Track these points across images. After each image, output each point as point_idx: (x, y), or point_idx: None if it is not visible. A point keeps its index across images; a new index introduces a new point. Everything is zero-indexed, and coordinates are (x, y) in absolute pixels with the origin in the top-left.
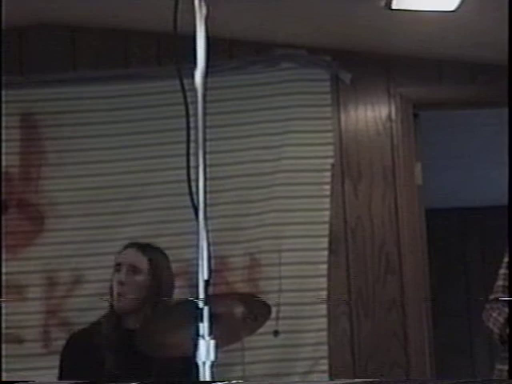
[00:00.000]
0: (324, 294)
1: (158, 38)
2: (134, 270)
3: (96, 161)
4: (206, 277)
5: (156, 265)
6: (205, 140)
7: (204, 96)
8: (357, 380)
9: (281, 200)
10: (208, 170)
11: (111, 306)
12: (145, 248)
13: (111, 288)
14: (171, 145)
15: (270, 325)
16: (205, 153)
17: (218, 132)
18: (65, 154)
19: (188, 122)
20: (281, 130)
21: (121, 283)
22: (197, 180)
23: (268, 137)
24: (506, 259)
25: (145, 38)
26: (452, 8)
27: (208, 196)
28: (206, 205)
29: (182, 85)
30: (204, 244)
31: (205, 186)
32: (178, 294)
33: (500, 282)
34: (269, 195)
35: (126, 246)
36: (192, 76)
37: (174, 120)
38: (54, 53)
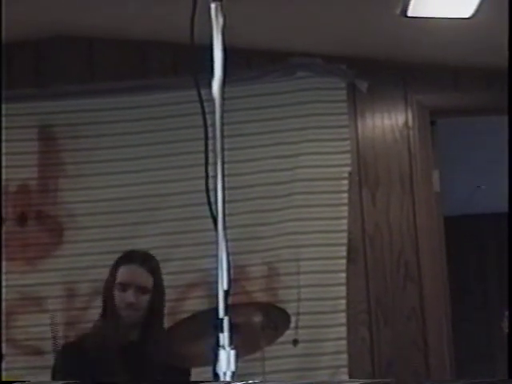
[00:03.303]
0: (343, 302)
1: (175, 48)
2: (142, 290)
3: (114, 172)
4: (225, 287)
5: (159, 279)
6: (223, 150)
7: (221, 106)
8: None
9: (299, 209)
10: (226, 179)
11: (113, 320)
12: (147, 263)
13: (109, 300)
14: (189, 155)
15: (289, 334)
16: (223, 162)
17: (235, 142)
18: (83, 166)
19: (206, 132)
20: (298, 138)
21: (130, 304)
22: (215, 190)
23: (286, 146)
24: None
25: (162, 48)
26: (468, 15)
27: (227, 206)
28: (224, 215)
29: (200, 95)
30: (223, 254)
31: (223, 195)
32: (197, 304)
33: None
34: (287, 204)
35: (126, 260)
36: (209, 86)
37: (192, 130)
38: (70, 65)
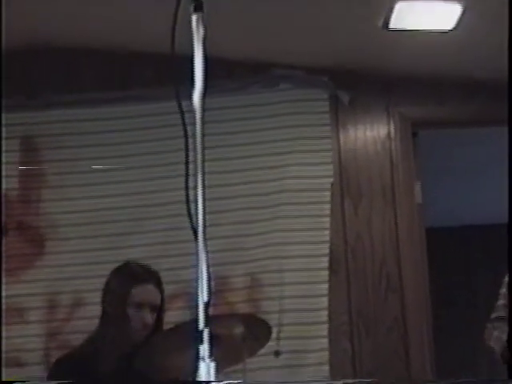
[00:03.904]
0: (325, 313)
1: (158, 59)
2: (154, 308)
3: (97, 183)
4: (205, 298)
5: (163, 295)
6: (203, 161)
7: (202, 117)
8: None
9: (282, 220)
10: (211, 190)
11: (125, 338)
12: (158, 281)
13: (123, 318)
14: (173, 166)
15: (271, 345)
16: (203, 174)
17: (220, 152)
18: (65, 177)
19: (186, 144)
20: (281, 150)
21: (146, 325)
22: (195, 201)
23: (269, 157)
24: (506, 279)
25: (145, 59)
26: (449, 27)
27: (211, 216)
28: (205, 226)
29: (180, 106)
30: (203, 265)
31: (204, 206)
32: (179, 315)
33: (501, 301)
34: (271, 215)
35: (141, 280)
36: (191, 97)
37: (175, 141)
38: (53, 75)
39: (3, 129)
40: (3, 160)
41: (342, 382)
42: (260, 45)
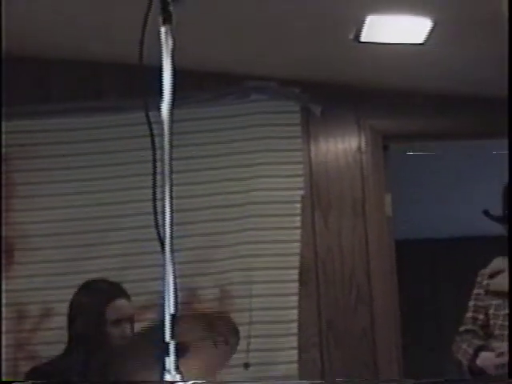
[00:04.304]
0: (295, 325)
1: (129, 70)
2: (131, 321)
3: (67, 193)
4: (172, 310)
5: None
6: (171, 172)
7: (170, 128)
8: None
9: (252, 232)
10: (181, 201)
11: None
12: (126, 293)
13: (100, 336)
14: (142, 176)
15: (240, 357)
16: (171, 185)
17: (190, 164)
18: (35, 187)
19: (154, 155)
20: (252, 161)
21: (125, 337)
22: (163, 212)
23: (239, 168)
24: (475, 291)
25: (117, 70)
26: (420, 41)
27: (179, 228)
28: (172, 237)
29: (148, 117)
30: (170, 277)
31: (171, 218)
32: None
33: (469, 314)
34: (240, 227)
35: (113, 296)
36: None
37: (145, 152)
38: (24, 85)
39: None
40: None
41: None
42: (232, 56)
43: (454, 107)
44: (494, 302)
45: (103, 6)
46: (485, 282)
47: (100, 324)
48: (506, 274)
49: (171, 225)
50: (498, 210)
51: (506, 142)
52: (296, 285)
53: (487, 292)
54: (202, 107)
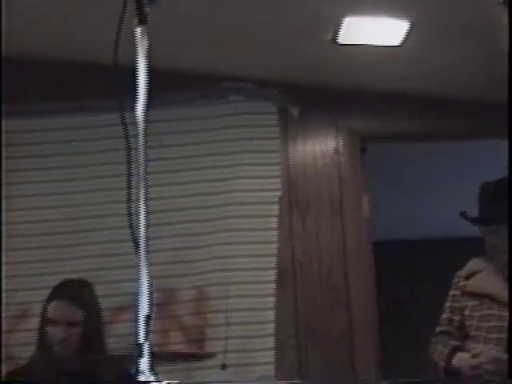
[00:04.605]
0: (271, 326)
1: (106, 70)
2: (70, 324)
3: (46, 193)
4: (146, 312)
5: (90, 310)
6: (146, 173)
7: (145, 129)
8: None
9: (229, 233)
10: (158, 202)
11: (48, 354)
12: (75, 297)
13: (43, 335)
14: (120, 177)
15: (217, 358)
16: (146, 186)
17: (169, 164)
18: (15, 187)
19: (129, 156)
20: (230, 162)
21: (62, 340)
22: (137, 213)
23: (217, 169)
24: (451, 292)
25: (93, 70)
26: (397, 43)
27: (158, 229)
28: (147, 239)
29: (123, 118)
30: (144, 278)
31: (146, 219)
32: (125, 327)
33: (445, 315)
34: (218, 228)
35: (55, 295)
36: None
37: (122, 153)
38: (3, 86)
39: None
40: None
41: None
42: (210, 57)
43: (431, 109)
44: (470, 303)
45: (78, 6)
46: (461, 284)
47: (41, 323)
48: (482, 275)
49: (146, 226)
50: (474, 211)
51: (482, 143)
52: (273, 286)
53: (463, 293)
54: (181, 108)
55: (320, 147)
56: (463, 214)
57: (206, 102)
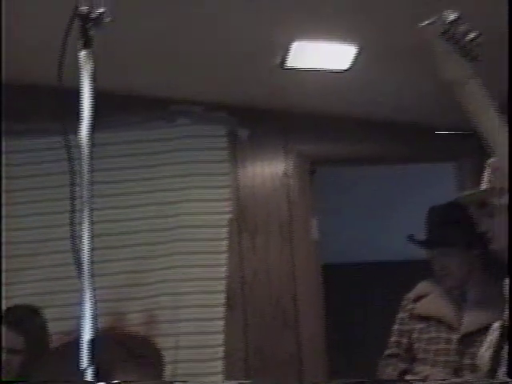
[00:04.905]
0: (221, 350)
1: (51, 92)
2: (13, 352)
3: None
4: (90, 336)
5: (33, 338)
6: (91, 197)
7: (90, 152)
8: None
9: (180, 256)
10: (109, 225)
11: None
12: (18, 324)
13: None
14: (66, 201)
15: (167, 381)
16: (91, 210)
17: (119, 187)
18: None
19: (73, 179)
20: (180, 185)
21: (3, 367)
22: (81, 237)
23: (168, 192)
24: (399, 315)
25: (39, 92)
26: (345, 67)
27: (107, 252)
28: (91, 262)
29: (67, 140)
30: (88, 302)
31: (90, 243)
32: (70, 352)
33: (394, 338)
34: (169, 251)
35: (1, 321)
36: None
37: (65, 176)
38: None
39: None
40: None
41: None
42: (159, 81)
43: (379, 132)
44: (418, 326)
45: (22, 26)
46: (409, 306)
47: None
48: (430, 298)
49: (91, 249)
50: (422, 234)
51: (430, 166)
52: (222, 309)
53: (411, 316)
54: (129, 131)
55: (269, 170)
56: (411, 238)
57: (155, 125)
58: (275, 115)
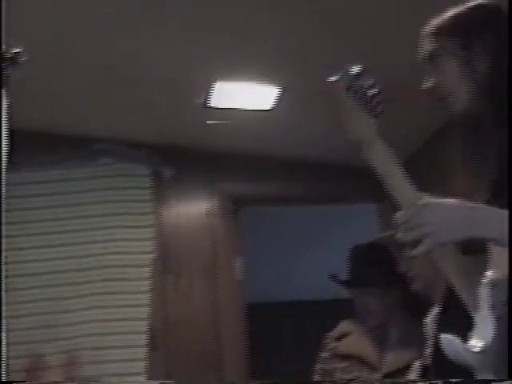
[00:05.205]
0: None
1: None
2: None
3: None
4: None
5: None
6: (0, 237)
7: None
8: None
9: (102, 296)
10: (26, 265)
11: None
12: None
13: None
14: None
15: None
16: (0, 250)
17: (41, 226)
18: None
19: None
20: (103, 225)
21: None
22: None
23: (91, 232)
24: (322, 354)
25: None
26: (268, 107)
27: (26, 293)
28: (5, 303)
29: None
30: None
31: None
32: None
33: (316, 377)
34: (92, 291)
35: None
36: (14, 171)
37: None
38: None
39: None
40: None
41: None
42: (82, 119)
43: (303, 173)
44: (340, 365)
45: None
46: (331, 345)
47: None
48: (352, 337)
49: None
50: (344, 274)
51: (353, 207)
52: (144, 350)
53: (334, 355)
54: (53, 170)
55: (193, 209)
56: (334, 277)
57: (79, 163)
58: (199, 154)
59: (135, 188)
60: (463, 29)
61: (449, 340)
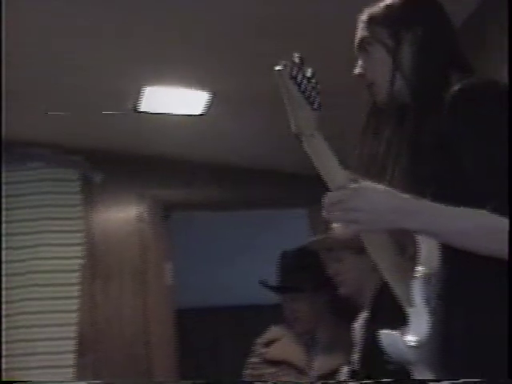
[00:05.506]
0: None
1: None
2: None
3: None
4: None
5: None
6: None
7: None
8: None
9: (31, 302)
10: None
11: None
12: None
13: None
14: None
15: None
16: None
17: None
18: None
19: None
20: (32, 229)
21: None
22: None
23: (20, 236)
24: (251, 360)
25: None
26: (198, 112)
27: None
28: None
29: None
30: None
31: None
32: None
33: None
34: (20, 296)
35: None
36: None
37: None
38: None
39: None
40: None
41: None
42: (13, 122)
43: (233, 178)
44: (269, 371)
45: None
46: (260, 351)
47: None
48: (281, 343)
49: None
50: (274, 279)
51: (283, 212)
52: (72, 356)
53: (263, 361)
54: None
55: (123, 215)
56: (263, 282)
57: (8, 167)
58: (129, 159)
59: (65, 193)
60: (394, 19)
61: (388, 336)
